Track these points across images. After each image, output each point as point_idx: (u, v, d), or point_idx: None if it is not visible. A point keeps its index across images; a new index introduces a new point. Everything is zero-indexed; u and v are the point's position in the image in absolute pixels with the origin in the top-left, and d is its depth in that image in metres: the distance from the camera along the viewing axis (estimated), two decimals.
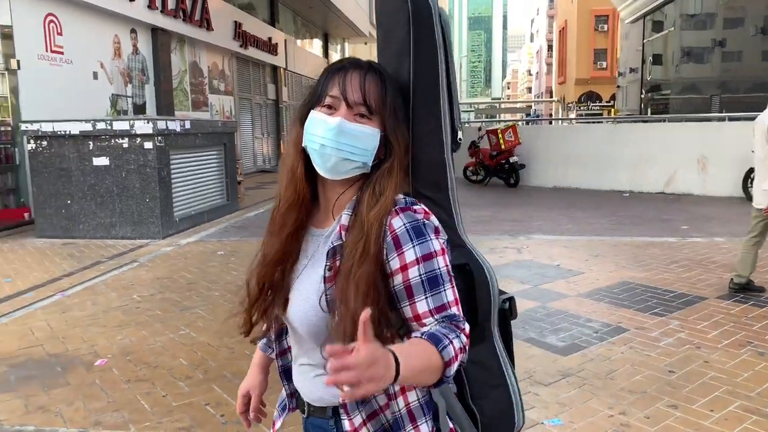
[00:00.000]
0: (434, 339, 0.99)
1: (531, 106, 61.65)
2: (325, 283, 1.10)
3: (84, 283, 5.72)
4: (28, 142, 7.96)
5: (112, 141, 7.71)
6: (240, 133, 15.91)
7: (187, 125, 8.59)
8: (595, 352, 3.82)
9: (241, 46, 16.94)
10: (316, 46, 27.39)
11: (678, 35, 23.28)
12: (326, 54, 28.52)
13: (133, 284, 5.65)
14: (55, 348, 4.07)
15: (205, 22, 14.64)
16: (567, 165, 13.06)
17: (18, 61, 8.99)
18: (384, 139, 1.13)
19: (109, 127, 7.72)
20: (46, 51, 9.61)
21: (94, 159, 7.73)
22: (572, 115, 41.54)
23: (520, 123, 17.76)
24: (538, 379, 3.44)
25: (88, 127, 7.73)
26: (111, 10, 11.00)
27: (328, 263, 1.10)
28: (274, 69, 20.67)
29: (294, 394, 1.31)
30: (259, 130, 19.48)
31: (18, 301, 5.18)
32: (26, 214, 9.10)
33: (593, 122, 20.05)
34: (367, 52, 37.92)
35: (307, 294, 1.14)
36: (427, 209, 1.12)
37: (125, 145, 7.70)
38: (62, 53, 9.96)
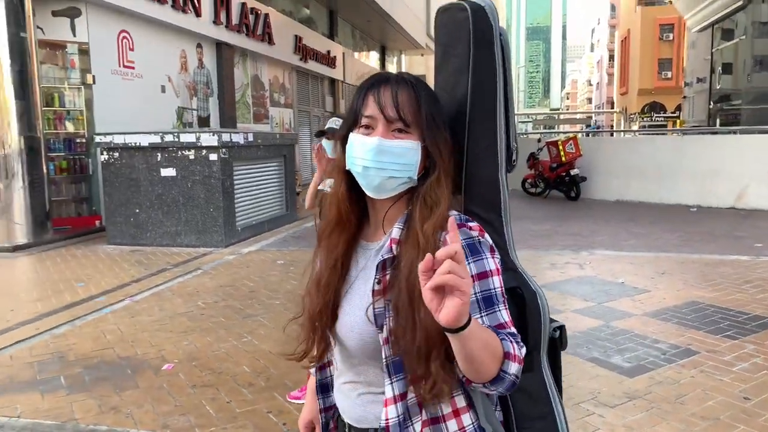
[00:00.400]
0: (494, 330, 1.01)
1: (591, 117, 60.29)
2: (373, 295, 1.09)
3: (151, 289, 5.94)
4: (102, 154, 8.35)
5: (179, 153, 8.00)
6: (298, 145, 16.21)
7: (250, 138, 8.83)
8: (663, 375, 3.68)
9: (301, 59, 17.31)
10: (372, 58, 27.69)
11: (750, 43, 22.33)
12: (383, 66, 28.77)
13: (198, 291, 5.83)
14: (125, 351, 4.23)
15: (267, 37, 15.05)
16: (630, 178, 12.70)
17: (93, 76, 9.47)
18: (425, 149, 1.12)
19: (176, 140, 8.02)
20: (119, 66, 10.09)
21: (161, 170, 8.04)
22: (635, 127, 40.41)
23: (580, 134, 17.39)
24: (603, 401, 3.34)
25: (156, 139, 8.05)
26: (179, 25, 11.46)
27: (377, 276, 1.10)
28: (332, 82, 21.01)
29: (328, 410, 1.31)
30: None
31: (91, 305, 5.42)
32: (97, 222, 9.53)
33: (658, 134, 19.42)
34: (423, 63, 37.83)
35: (356, 307, 1.14)
36: (481, 227, 1.10)
37: (191, 157, 7.98)
38: (133, 68, 10.44)
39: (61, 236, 8.84)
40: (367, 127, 1.11)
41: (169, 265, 7.03)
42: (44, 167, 8.59)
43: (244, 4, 13.79)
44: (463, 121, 1.21)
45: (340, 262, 1.18)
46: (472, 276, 1.04)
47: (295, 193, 10.87)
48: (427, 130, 1.11)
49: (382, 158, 1.08)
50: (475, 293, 1.04)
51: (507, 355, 0.99)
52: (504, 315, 1.05)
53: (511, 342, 1.01)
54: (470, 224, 1.09)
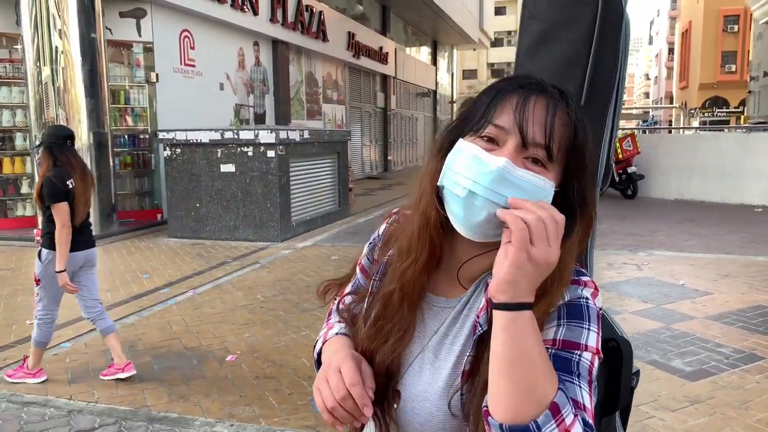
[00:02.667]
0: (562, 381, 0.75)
1: (648, 113, 58.45)
2: (462, 378, 0.84)
3: (212, 282, 6.15)
4: (165, 149, 8.66)
5: (238, 149, 8.23)
6: (351, 142, 16.40)
7: (306, 135, 9.00)
8: (726, 380, 3.60)
9: (353, 56, 17.46)
10: (423, 53, 27.63)
11: None
12: (434, 61, 28.66)
13: (257, 284, 6.01)
14: (191, 342, 4.41)
15: (321, 34, 15.24)
16: (691, 176, 12.31)
17: (157, 75, 9.82)
18: (558, 194, 0.81)
19: (235, 137, 8.25)
20: (181, 64, 10.43)
21: (221, 166, 8.29)
22: (695, 122, 38.99)
23: (637, 131, 16.91)
24: (663, 404, 3.30)
25: (217, 136, 8.30)
26: (237, 24, 11.75)
27: (471, 353, 0.83)
28: (384, 78, 21.10)
29: None
30: (368, 137, 19.95)
31: (156, 296, 5.66)
32: (159, 215, 9.90)
33: (721, 130, 18.69)
34: (475, 58, 37.36)
35: (431, 389, 0.87)
36: (597, 286, 0.86)
37: (250, 154, 8.19)
38: (194, 66, 10.77)
39: (125, 228, 9.23)
40: (490, 140, 0.82)
41: (228, 259, 7.25)
42: (111, 162, 8.97)
43: (299, 2, 14.01)
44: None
45: (410, 318, 0.91)
46: (556, 340, 0.79)
47: (348, 189, 11.01)
48: (575, 174, 0.83)
49: (499, 188, 0.77)
50: (550, 351, 0.78)
51: (554, 410, 0.71)
52: (584, 395, 0.76)
53: (574, 411, 0.73)
54: (584, 279, 0.85)
